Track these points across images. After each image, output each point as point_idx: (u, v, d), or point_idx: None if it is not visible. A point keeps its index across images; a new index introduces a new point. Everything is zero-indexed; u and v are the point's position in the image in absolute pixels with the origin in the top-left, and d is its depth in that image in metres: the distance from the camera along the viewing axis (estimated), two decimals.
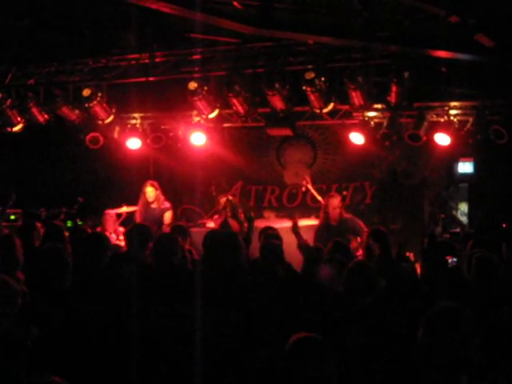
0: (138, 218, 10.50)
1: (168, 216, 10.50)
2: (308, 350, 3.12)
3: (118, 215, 10.82)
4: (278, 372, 3.14)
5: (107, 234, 9.85)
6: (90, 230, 9.44)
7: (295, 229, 8.16)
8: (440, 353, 2.97)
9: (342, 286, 5.53)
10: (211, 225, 10.53)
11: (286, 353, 3.15)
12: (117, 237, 10.11)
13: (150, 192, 10.57)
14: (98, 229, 10.31)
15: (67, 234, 7.65)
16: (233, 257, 5.56)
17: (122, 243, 8.61)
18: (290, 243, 8.39)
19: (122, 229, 10.16)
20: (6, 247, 5.51)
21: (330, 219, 9.39)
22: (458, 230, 10.92)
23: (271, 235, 7.67)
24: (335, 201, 9.45)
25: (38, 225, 7.65)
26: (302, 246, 7.94)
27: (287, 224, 10.16)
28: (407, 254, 8.11)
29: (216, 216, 10.63)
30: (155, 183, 10.69)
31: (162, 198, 10.66)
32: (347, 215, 9.57)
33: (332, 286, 5.24)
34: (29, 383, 2.70)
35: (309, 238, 9.18)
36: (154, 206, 10.57)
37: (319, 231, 9.47)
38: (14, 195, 10.18)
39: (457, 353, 2.97)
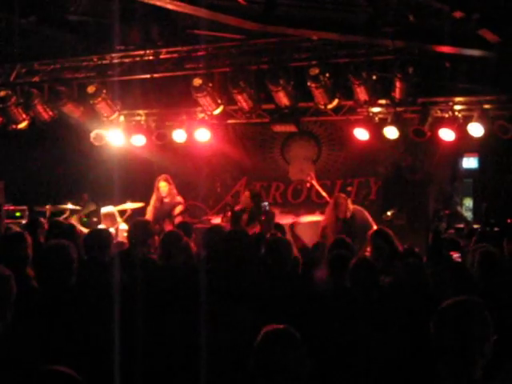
0: (150, 214, 10.49)
1: (178, 210, 10.50)
2: (276, 342, 3.15)
3: (122, 212, 10.83)
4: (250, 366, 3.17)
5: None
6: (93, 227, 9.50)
7: (293, 231, 8.18)
8: (454, 346, 2.97)
9: (347, 281, 5.56)
10: (217, 221, 10.54)
11: (256, 345, 3.19)
12: (116, 233, 10.12)
13: (164, 187, 10.55)
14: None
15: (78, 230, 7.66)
16: (235, 253, 5.56)
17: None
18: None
19: (123, 225, 10.18)
20: (17, 244, 5.53)
21: (339, 214, 9.46)
22: (462, 225, 10.94)
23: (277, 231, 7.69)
24: (342, 200, 9.54)
25: (44, 222, 7.68)
26: (301, 248, 7.95)
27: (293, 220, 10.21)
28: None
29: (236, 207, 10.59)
30: (168, 178, 10.66)
31: (174, 192, 10.65)
32: (356, 206, 9.62)
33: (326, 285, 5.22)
34: (34, 374, 2.71)
35: (314, 233, 9.21)
36: (166, 200, 10.57)
37: (326, 227, 9.54)
38: (86, 196, 10.28)
39: (471, 346, 2.97)
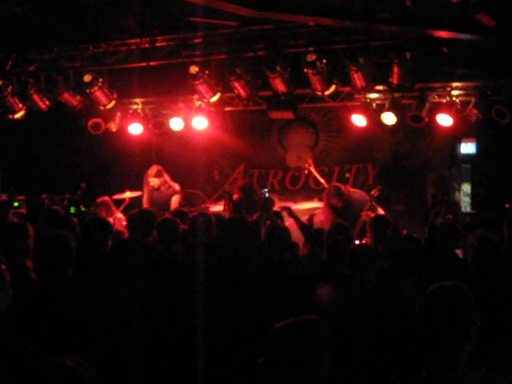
0: (145, 204, 10.50)
1: (175, 200, 10.47)
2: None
3: (120, 201, 10.81)
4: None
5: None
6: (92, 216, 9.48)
7: (291, 213, 8.26)
8: (440, 331, 2.97)
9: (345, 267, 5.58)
10: (215, 208, 10.53)
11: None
12: (113, 222, 10.11)
13: (154, 181, 10.54)
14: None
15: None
16: (235, 240, 5.57)
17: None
18: (293, 226, 8.46)
19: (120, 215, 10.16)
20: (19, 235, 5.50)
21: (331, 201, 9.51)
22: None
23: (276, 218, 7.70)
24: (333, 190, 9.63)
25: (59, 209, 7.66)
26: (303, 225, 8.01)
27: (291, 207, 10.22)
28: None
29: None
30: (158, 169, 10.64)
31: (168, 182, 10.63)
32: (356, 190, 9.67)
33: (329, 305, 5.20)
34: (38, 366, 2.70)
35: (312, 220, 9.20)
36: (161, 189, 10.57)
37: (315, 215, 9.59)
38: (83, 185, 10.27)
39: (457, 331, 2.96)
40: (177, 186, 10.69)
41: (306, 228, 8.27)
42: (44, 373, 2.63)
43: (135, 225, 6.81)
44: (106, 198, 10.55)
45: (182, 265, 5.61)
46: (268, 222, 7.78)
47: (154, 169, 10.70)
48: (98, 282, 5.06)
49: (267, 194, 8.73)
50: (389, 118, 10.15)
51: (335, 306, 5.00)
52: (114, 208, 10.43)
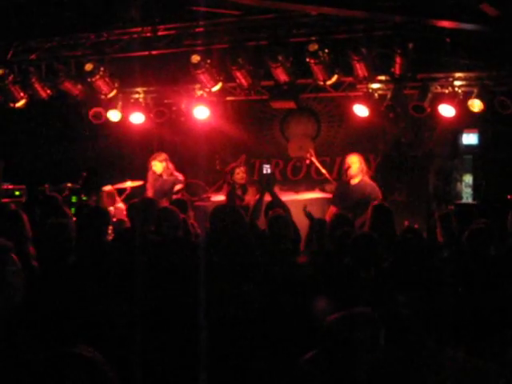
0: (148, 192, 10.51)
1: (177, 187, 10.48)
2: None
3: (121, 190, 10.82)
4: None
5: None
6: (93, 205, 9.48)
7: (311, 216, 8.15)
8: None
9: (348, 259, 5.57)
10: (217, 198, 10.53)
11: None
12: (114, 211, 10.12)
13: (156, 165, 10.57)
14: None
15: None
16: (237, 230, 5.55)
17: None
18: (295, 216, 8.42)
19: (121, 204, 10.17)
20: (14, 221, 5.52)
21: (349, 177, 9.59)
22: (462, 201, 10.95)
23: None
24: (354, 158, 9.72)
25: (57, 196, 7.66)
26: (307, 213, 7.97)
27: (292, 197, 10.22)
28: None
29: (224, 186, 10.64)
30: (162, 155, 10.66)
31: (170, 169, 10.64)
32: (369, 181, 9.66)
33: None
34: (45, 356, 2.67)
35: (313, 210, 9.19)
36: (164, 177, 10.59)
37: (336, 190, 9.83)
38: (85, 174, 10.26)
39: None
40: (180, 176, 10.70)
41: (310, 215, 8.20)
42: (62, 363, 2.58)
43: (135, 214, 6.80)
44: (111, 187, 10.57)
45: (181, 255, 5.59)
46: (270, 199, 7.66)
47: (159, 154, 10.70)
48: (98, 271, 5.06)
49: (269, 170, 8.37)
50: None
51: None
52: (117, 197, 10.45)
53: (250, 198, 9.99)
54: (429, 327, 3.28)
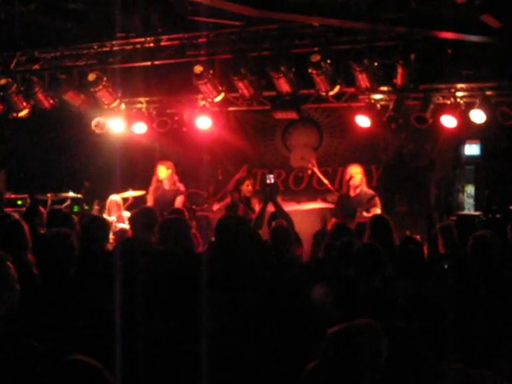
0: (149, 201, 10.50)
1: (179, 201, 10.44)
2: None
3: (124, 200, 10.83)
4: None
5: (110, 218, 9.91)
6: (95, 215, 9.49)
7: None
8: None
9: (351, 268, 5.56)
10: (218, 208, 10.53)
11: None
12: (117, 221, 10.13)
13: (161, 170, 10.54)
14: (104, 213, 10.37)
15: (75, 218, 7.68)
16: (245, 241, 5.52)
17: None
18: (297, 226, 8.42)
19: (126, 213, 10.18)
20: (15, 231, 5.54)
21: (349, 189, 9.56)
22: (464, 212, 10.94)
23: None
24: (356, 168, 9.71)
25: (42, 210, 7.67)
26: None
27: (294, 207, 10.22)
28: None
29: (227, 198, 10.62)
30: (169, 163, 10.64)
31: (174, 179, 10.61)
32: (369, 190, 9.66)
33: (324, 305, 5.18)
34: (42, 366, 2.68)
35: (314, 221, 9.23)
36: (166, 187, 10.55)
37: (338, 202, 9.75)
38: (87, 184, 10.27)
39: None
40: (182, 187, 10.68)
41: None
42: (63, 372, 2.58)
43: (136, 224, 6.81)
44: (116, 196, 10.58)
45: (183, 266, 5.58)
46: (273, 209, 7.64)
47: (166, 161, 10.68)
48: (99, 282, 5.05)
49: (273, 180, 8.32)
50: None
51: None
52: (121, 207, 10.47)
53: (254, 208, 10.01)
54: (428, 338, 3.28)
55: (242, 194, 10.13)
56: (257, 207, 9.85)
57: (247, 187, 10.23)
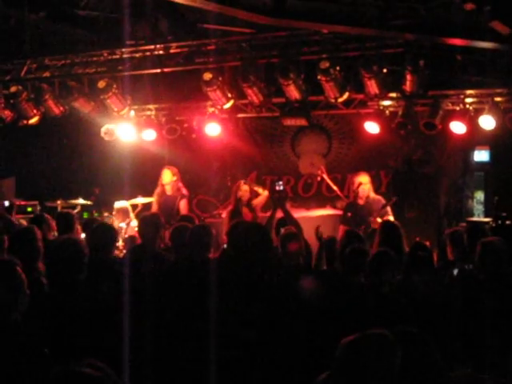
0: (154, 207, 10.53)
1: (183, 205, 10.45)
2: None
3: (133, 206, 10.85)
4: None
5: (118, 224, 9.93)
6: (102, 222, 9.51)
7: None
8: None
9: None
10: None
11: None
12: (126, 227, 10.15)
13: (166, 174, 10.55)
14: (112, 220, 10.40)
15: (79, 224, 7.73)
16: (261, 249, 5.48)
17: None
18: (306, 233, 8.41)
19: (134, 221, 10.20)
20: (27, 239, 5.57)
21: (357, 197, 9.57)
22: (474, 218, 10.91)
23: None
24: (365, 177, 9.72)
25: (49, 217, 7.69)
26: (318, 233, 7.92)
27: (303, 214, 10.21)
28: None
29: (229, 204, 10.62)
30: (175, 170, 10.64)
31: (177, 185, 10.60)
32: (376, 196, 9.67)
33: (313, 298, 5.17)
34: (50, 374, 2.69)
35: (324, 227, 9.18)
36: (168, 193, 10.56)
37: (346, 210, 9.73)
38: (97, 190, 10.30)
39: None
40: (185, 191, 10.66)
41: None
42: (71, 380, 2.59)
43: (144, 231, 6.84)
44: (125, 203, 10.60)
45: (195, 273, 5.57)
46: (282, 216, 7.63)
47: (172, 167, 10.69)
48: (107, 288, 5.07)
49: (282, 187, 8.32)
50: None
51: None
52: (130, 214, 10.48)
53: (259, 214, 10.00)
54: (439, 344, 3.26)
55: (242, 199, 10.10)
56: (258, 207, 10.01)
57: (245, 192, 10.19)
